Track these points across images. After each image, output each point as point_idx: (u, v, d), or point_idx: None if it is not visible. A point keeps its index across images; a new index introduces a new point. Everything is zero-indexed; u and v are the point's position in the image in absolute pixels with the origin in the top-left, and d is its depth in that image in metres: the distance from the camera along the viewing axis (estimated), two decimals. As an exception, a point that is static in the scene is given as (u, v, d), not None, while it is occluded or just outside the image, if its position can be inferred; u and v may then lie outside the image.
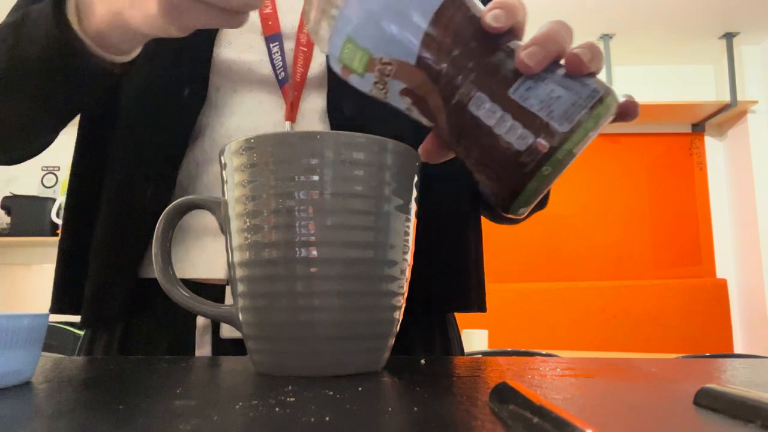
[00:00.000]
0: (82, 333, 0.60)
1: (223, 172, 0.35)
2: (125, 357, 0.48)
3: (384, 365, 0.37)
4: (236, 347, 0.51)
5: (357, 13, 0.32)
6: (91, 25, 0.44)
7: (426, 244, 0.49)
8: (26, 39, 0.46)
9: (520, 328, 2.96)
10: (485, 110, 0.31)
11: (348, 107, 0.53)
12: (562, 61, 0.31)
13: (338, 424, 0.20)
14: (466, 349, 0.66)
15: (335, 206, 0.32)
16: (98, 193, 0.56)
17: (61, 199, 2.96)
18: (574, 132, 0.29)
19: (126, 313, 0.53)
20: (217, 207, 0.38)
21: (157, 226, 0.38)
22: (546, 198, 0.57)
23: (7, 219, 2.97)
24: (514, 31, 0.32)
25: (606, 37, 3.05)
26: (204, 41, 0.54)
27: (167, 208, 0.38)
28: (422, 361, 0.40)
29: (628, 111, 0.32)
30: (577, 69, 0.31)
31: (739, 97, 3.09)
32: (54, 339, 1.98)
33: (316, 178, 0.32)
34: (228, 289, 0.52)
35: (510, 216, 0.33)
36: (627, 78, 3.28)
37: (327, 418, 0.21)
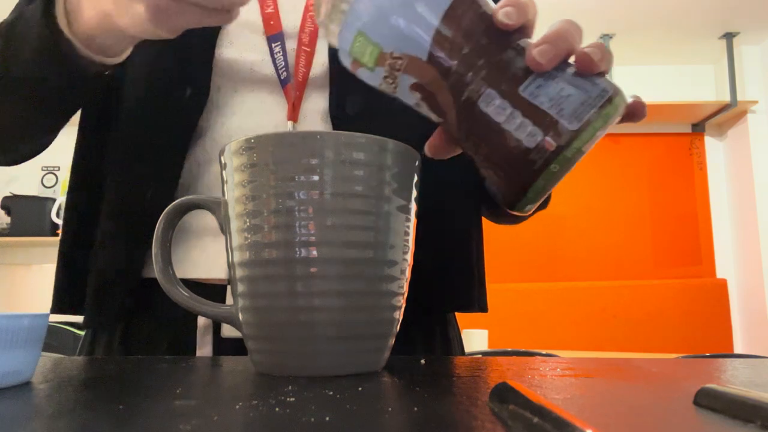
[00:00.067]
0: (82, 333, 0.60)
1: (223, 172, 0.35)
2: (125, 357, 0.48)
3: (384, 365, 0.37)
4: (237, 347, 0.51)
5: (368, 8, 0.32)
6: (81, 27, 0.44)
7: (427, 244, 0.49)
8: (19, 40, 0.46)
9: (520, 328, 2.96)
10: (495, 107, 0.31)
11: (350, 107, 0.53)
12: (572, 60, 0.31)
13: (338, 424, 0.20)
14: (467, 349, 0.66)
15: (335, 206, 0.32)
16: (99, 194, 0.56)
17: (61, 199, 2.96)
18: (583, 130, 0.29)
19: (127, 313, 0.53)
20: (217, 207, 0.38)
21: (157, 226, 0.38)
22: (548, 198, 0.57)
23: (7, 219, 2.97)
24: (524, 29, 0.32)
25: (606, 37, 3.05)
26: (206, 41, 0.54)
27: (167, 208, 0.38)
28: (422, 361, 0.40)
29: (635, 111, 0.33)
30: (587, 68, 0.31)
31: (739, 97, 3.09)
32: (54, 339, 1.98)
33: (316, 178, 0.32)
34: (229, 288, 0.52)
35: (516, 213, 0.33)
36: (627, 78, 3.27)
37: (327, 418, 0.21)
